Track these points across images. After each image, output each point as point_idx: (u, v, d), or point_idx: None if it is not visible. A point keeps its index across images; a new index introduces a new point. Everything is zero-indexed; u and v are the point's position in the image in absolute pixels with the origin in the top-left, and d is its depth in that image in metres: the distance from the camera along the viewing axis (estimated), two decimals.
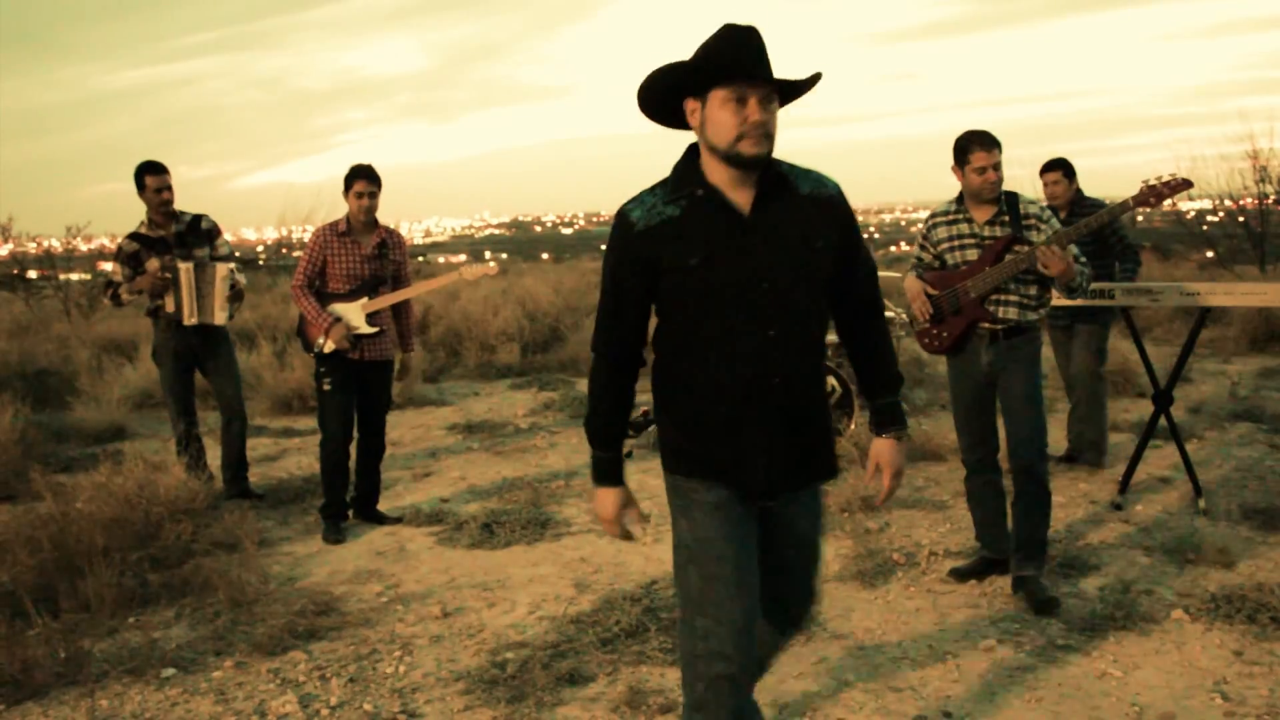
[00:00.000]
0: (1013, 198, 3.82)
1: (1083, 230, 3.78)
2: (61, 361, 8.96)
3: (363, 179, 4.76)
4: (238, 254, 6.19)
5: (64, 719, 3.15)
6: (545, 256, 39.74)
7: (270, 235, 21.15)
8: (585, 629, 3.63)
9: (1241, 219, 14.57)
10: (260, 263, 17.83)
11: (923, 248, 4.07)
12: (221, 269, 5.32)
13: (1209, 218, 16.17)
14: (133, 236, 5.39)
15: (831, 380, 6.14)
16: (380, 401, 5.04)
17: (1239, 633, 3.46)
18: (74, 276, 15.64)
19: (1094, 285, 4.87)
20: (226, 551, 4.48)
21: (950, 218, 3.97)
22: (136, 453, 5.88)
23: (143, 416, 7.88)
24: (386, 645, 3.62)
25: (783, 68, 2.17)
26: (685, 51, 2.19)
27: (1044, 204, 3.86)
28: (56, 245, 15.61)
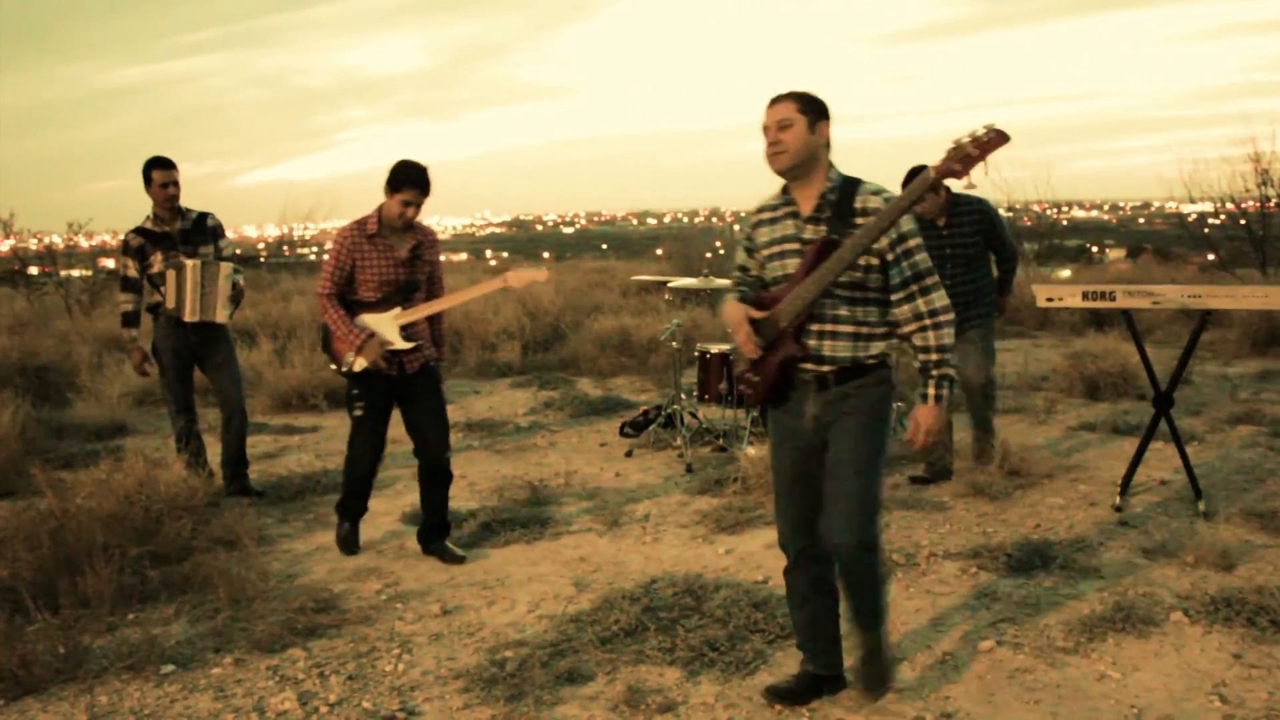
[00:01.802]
0: (850, 184, 2.81)
1: (890, 218, 2.64)
2: (62, 358, 8.96)
3: (413, 188, 4.15)
4: (239, 252, 6.09)
5: (63, 715, 3.15)
6: (546, 255, 39.73)
7: (271, 233, 21.17)
8: (584, 628, 3.63)
9: (1243, 222, 14.55)
10: (261, 260, 17.82)
11: (748, 253, 3.03)
12: (225, 267, 5.32)
13: (1210, 220, 16.15)
14: (138, 231, 5.37)
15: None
16: (434, 410, 4.39)
17: (1238, 635, 3.46)
18: (75, 273, 15.63)
19: (1091, 288, 4.86)
20: (226, 548, 4.48)
21: (773, 214, 2.94)
22: (137, 449, 5.89)
23: (143, 413, 7.88)
24: (386, 643, 3.62)
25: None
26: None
27: (890, 195, 2.80)
28: (58, 241, 15.60)
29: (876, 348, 2.85)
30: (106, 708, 3.18)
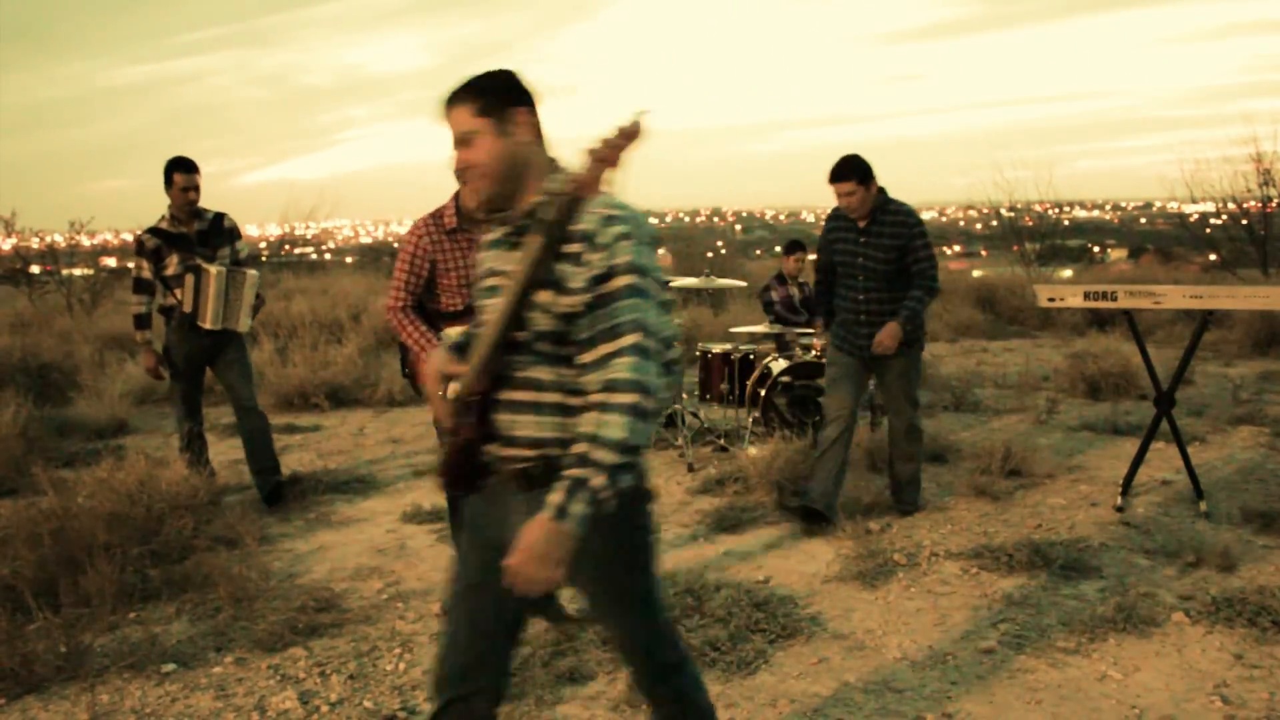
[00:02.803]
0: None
1: (543, 245, 1.87)
2: (64, 357, 8.97)
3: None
4: (256, 252, 5.87)
5: (64, 713, 3.15)
6: None
7: (273, 232, 21.18)
8: (585, 627, 3.63)
9: (1245, 222, 14.55)
10: (262, 260, 17.85)
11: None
12: (252, 276, 5.17)
13: (1212, 220, 16.15)
14: (154, 231, 5.19)
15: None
16: None
17: (1240, 636, 3.45)
18: (77, 272, 15.66)
19: (1093, 288, 4.86)
20: (227, 547, 4.48)
21: (495, 235, 2.17)
22: (138, 448, 5.90)
23: (144, 412, 7.88)
24: (387, 642, 3.62)
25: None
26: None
27: (615, 212, 1.89)
28: (60, 240, 15.62)
29: (563, 434, 1.95)
30: (108, 706, 3.18)
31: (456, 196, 3.58)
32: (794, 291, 7.27)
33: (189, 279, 5.09)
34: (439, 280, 3.65)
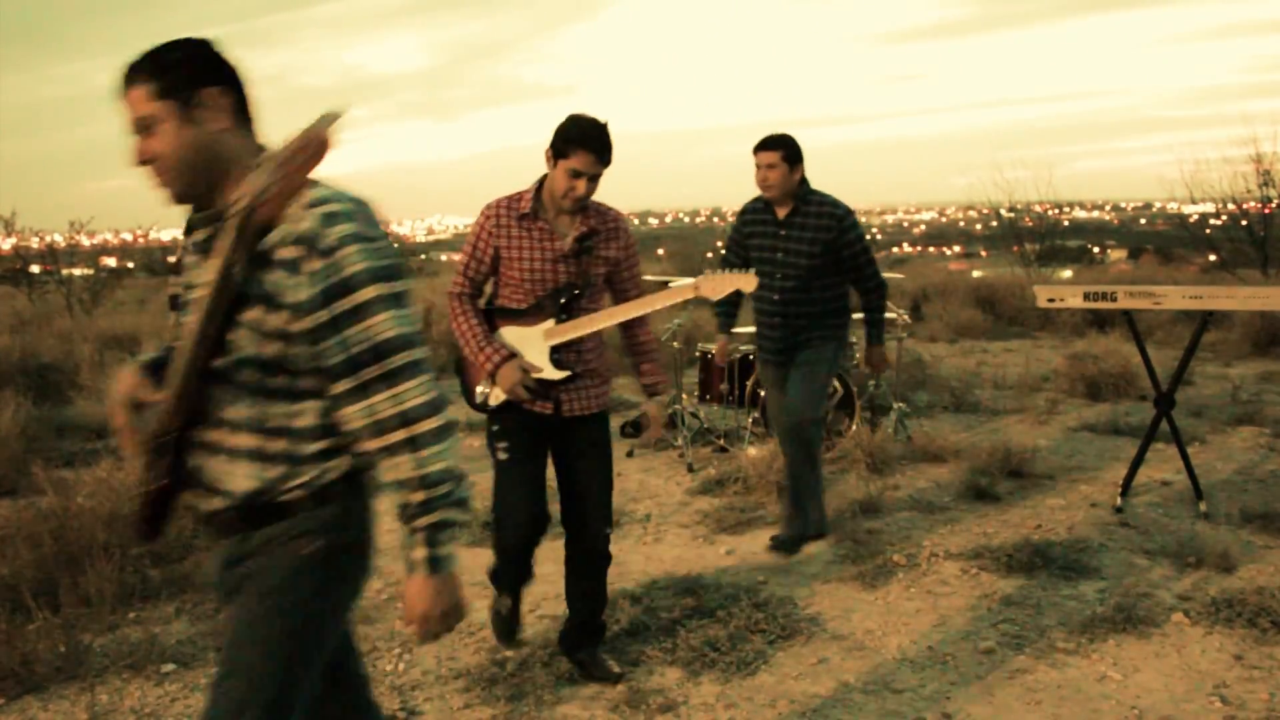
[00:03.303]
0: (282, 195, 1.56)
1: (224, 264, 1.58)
2: (64, 356, 8.96)
3: (587, 151, 2.95)
4: None
5: (63, 713, 3.15)
6: None
7: None
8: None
9: (1244, 223, 14.55)
10: None
11: None
12: None
13: (1212, 221, 16.15)
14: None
15: (833, 380, 6.14)
16: (595, 473, 3.23)
17: (1239, 636, 3.46)
18: (77, 272, 15.67)
19: (1093, 288, 4.86)
20: None
21: (196, 238, 1.89)
22: None
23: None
24: (386, 643, 3.62)
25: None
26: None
27: (335, 207, 1.64)
28: (59, 240, 15.63)
29: (305, 474, 1.73)
30: (107, 706, 3.18)
31: (540, 183, 3.10)
32: None
33: None
34: (502, 271, 3.15)
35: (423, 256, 24.21)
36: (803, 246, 4.19)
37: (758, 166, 4.17)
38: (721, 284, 3.32)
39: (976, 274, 18.06)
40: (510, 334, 3.15)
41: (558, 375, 3.11)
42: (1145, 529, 4.60)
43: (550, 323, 3.11)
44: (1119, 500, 4.90)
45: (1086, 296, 4.84)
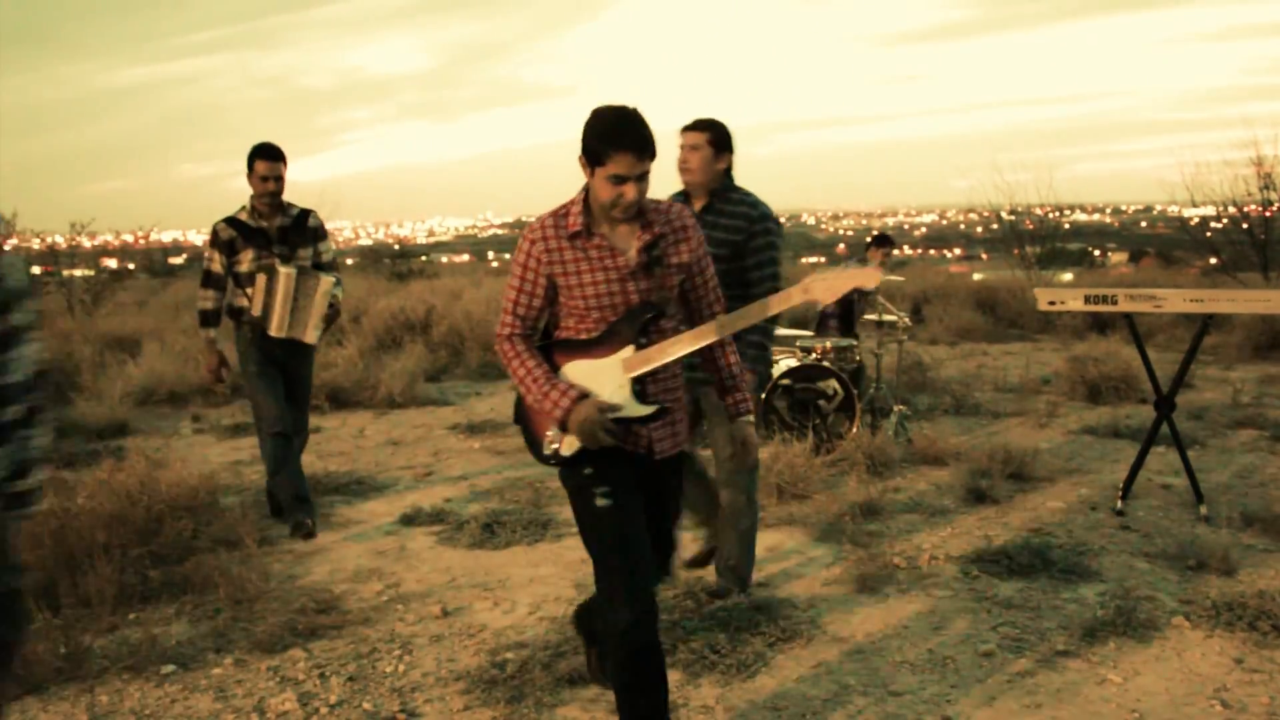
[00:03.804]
0: None
1: None
2: (65, 357, 8.98)
3: (626, 151, 2.50)
4: (339, 258, 5.30)
5: (64, 714, 3.15)
6: None
7: None
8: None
9: (1245, 225, 14.55)
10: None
11: None
12: (325, 282, 4.74)
13: (1213, 224, 16.16)
14: (230, 222, 4.75)
15: (833, 383, 6.14)
16: (668, 525, 2.90)
17: (1240, 640, 3.45)
18: (78, 273, 15.69)
19: (1093, 291, 4.86)
20: (227, 549, 4.48)
21: None
22: (138, 449, 5.89)
23: (145, 413, 7.88)
24: (386, 644, 3.62)
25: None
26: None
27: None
28: (60, 241, 15.65)
29: None
30: (107, 707, 3.18)
31: (586, 192, 2.66)
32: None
33: (261, 279, 4.67)
34: (563, 301, 2.70)
35: (423, 258, 24.24)
36: (713, 247, 3.41)
37: (680, 148, 3.69)
38: (836, 283, 2.68)
39: (977, 276, 18.06)
40: (579, 370, 2.67)
41: (643, 411, 2.64)
42: (1146, 532, 4.60)
43: (628, 351, 2.65)
44: (1119, 503, 4.90)
45: (1087, 299, 4.84)
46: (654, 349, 2.64)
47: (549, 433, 2.69)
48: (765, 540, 4.58)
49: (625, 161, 2.50)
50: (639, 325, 2.65)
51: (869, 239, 7.60)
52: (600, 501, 2.62)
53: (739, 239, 3.66)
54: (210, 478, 5.19)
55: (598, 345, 2.66)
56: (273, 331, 4.67)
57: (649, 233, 2.66)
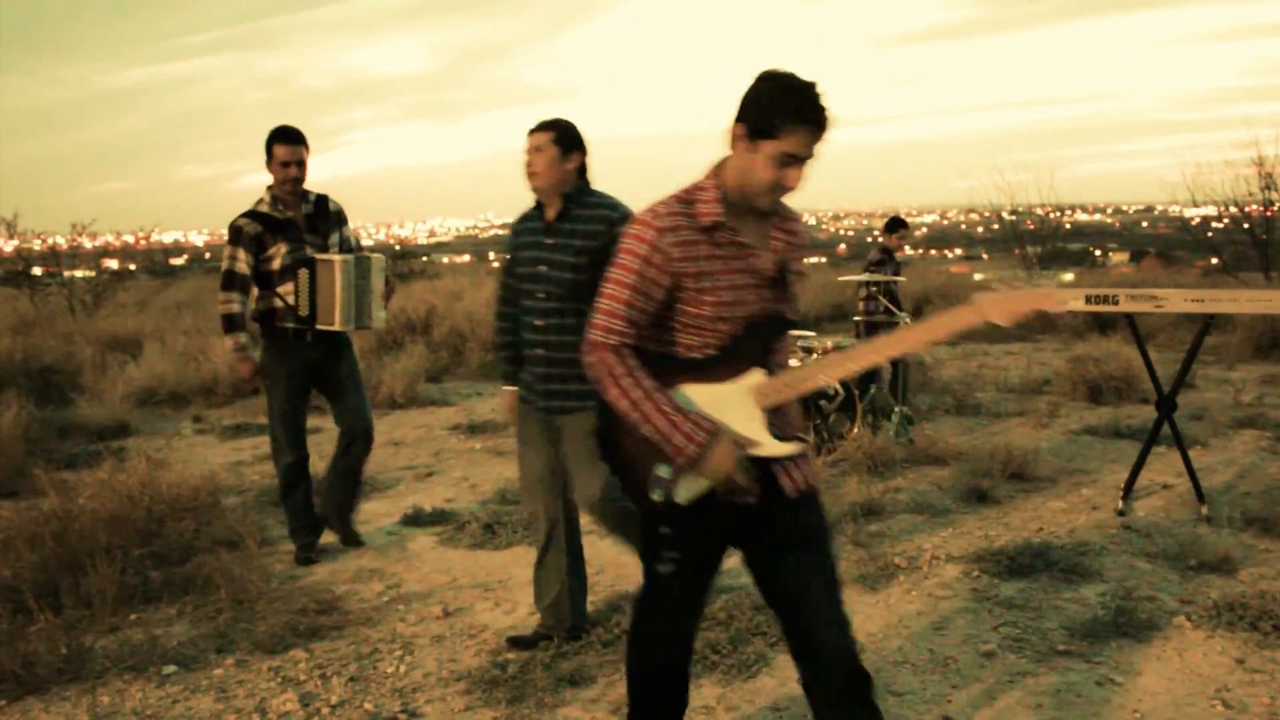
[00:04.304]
0: None
1: None
2: (65, 358, 8.98)
3: (807, 124, 2.11)
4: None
5: (65, 715, 3.15)
6: None
7: None
8: (586, 630, 3.63)
9: (1246, 226, 14.56)
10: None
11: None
12: (378, 260, 4.46)
13: (1214, 224, 16.16)
14: (253, 216, 4.37)
15: (834, 383, 6.14)
16: (817, 577, 2.30)
17: (1241, 640, 3.45)
18: (79, 273, 15.71)
19: (1094, 291, 4.86)
20: (228, 549, 4.48)
21: None
22: (139, 450, 5.90)
23: (146, 414, 7.89)
24: (388, 645, 3.62)
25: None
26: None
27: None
28: (61, 242, 15.67)
29: None
30: (108, 708, 3.18)
31: (718, 172, 2.23)
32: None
33: (303, 274, 4.30)
34: (684, 307, 2.21)
35: (424, 259, 24.28)
36: (568, 258, 3.29)
37: (525, 152, 3.39)
38: (1013, 304, 2.19)
39: (978, 277, 18.06)
40: (695, 397, 2.21)
41: (785, 450, 2.23)
42: (1147, 532, 4.60)
43: (756, 375, 2.21)
44: (1120, 503, 4.90)
45: (1088, 299, 4.84)
46: (791, 375, 2.23)
47: (660, 471, 2.20)
48: None
49: (803, 138, 2.11)
50: (767, 344, 2.23)
51: (880, 230, 7.60)
52: (665, 568, 2.31)
53: (598, 245, 3.24)
54: (211, 478, 5.19)
55: (716, 366, 2.21)
56: (336, 325, 4.30)
57: (787, 233, 2.30)
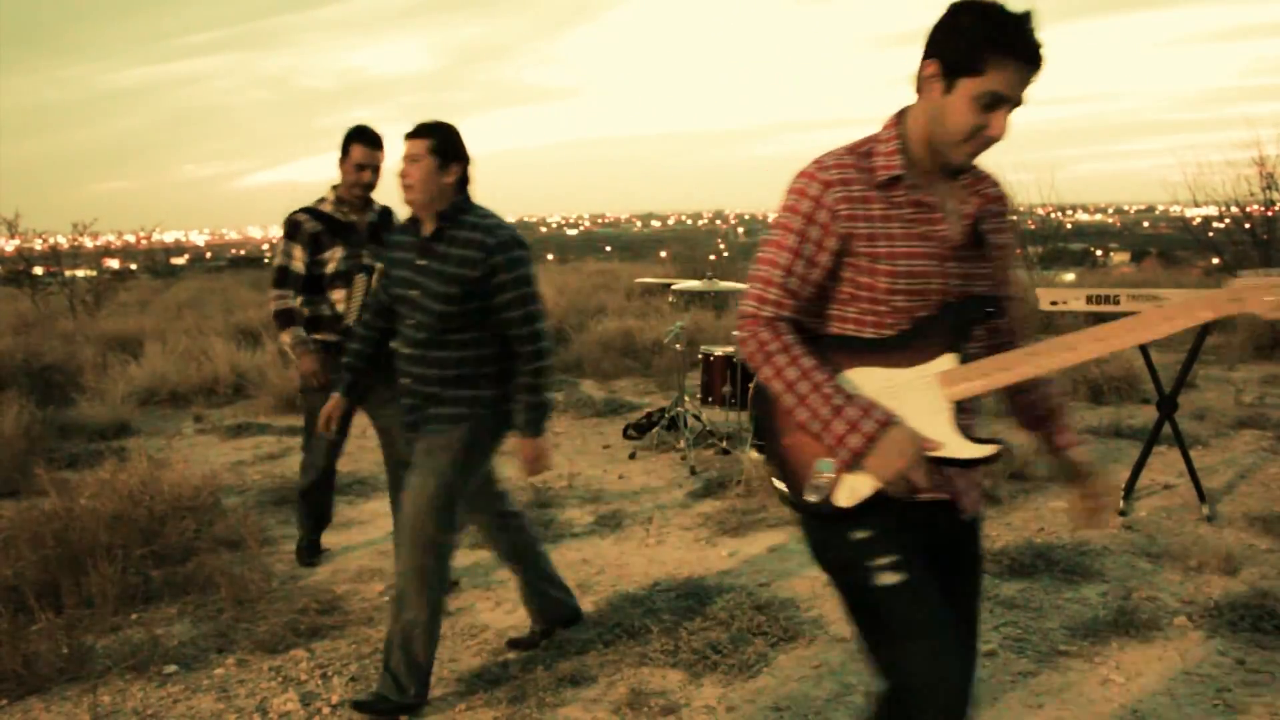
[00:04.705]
0: None
1: None
2: (67, 358, 8.98)
3: (1018, 59, 1.77)
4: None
5: (66, 715, 3.15)
6: (550, 258, 39.81)
7: (275, 234, 21.33)
8: (587, 630, 3.63)
9: (1247, 226, 14.55)
10: (266, 261, 17.91)
11: None
12: None
13: (1215, 224, 16.15)
14: (314, 213, 4.09)
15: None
16: (970, 606, 2.08)
17: (1242, 641, 3.45)
18: (80, 273, 15.73)
19: (1095, 291, 4.85)
20: (229, 549, 4.48)
21: None
22: (141, 449, 5.90)
23: (147, 413, 7.89)
24: None
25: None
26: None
27: None
28: (63, 242, 15.68)
29: None
30: (109, 708, 3.19)
31: (900, 121, 1.92)
32: None
33: (358, 280, 4.06)
34: (853, 275, 1.89)
35: None
36: (439, 285, 3.00)
37: (401, 159, 3.09)
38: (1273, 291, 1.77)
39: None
40: (867, 381, 1.88)
41: (978, 452, 1.88)
42: (1148, 532, 4.60)
43: (946, 361, 1.88)
44: (1122, 503, 4.90)
45: (1089, 299, 4.84)
46: (990, 363, 1.89)
47: (821, 468, 1.88)
48: (767, 539, 4.59)
49: (1010, 75, 1.77)
50: (964, 327, 1.90)
51: None
52: (887, 578, 1.86)
53: (474, 275, 2.97)
54: (212, 478, 5.20)
55: (896, 350, 1.88)
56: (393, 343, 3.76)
57: (981, 197, 1.96)
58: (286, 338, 4.11)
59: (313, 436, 4.24)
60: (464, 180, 3.08)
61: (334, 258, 4.05)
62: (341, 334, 4.05)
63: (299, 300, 4.13)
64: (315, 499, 4.46)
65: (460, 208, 3.05)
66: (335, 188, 4.12)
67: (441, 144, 3.03)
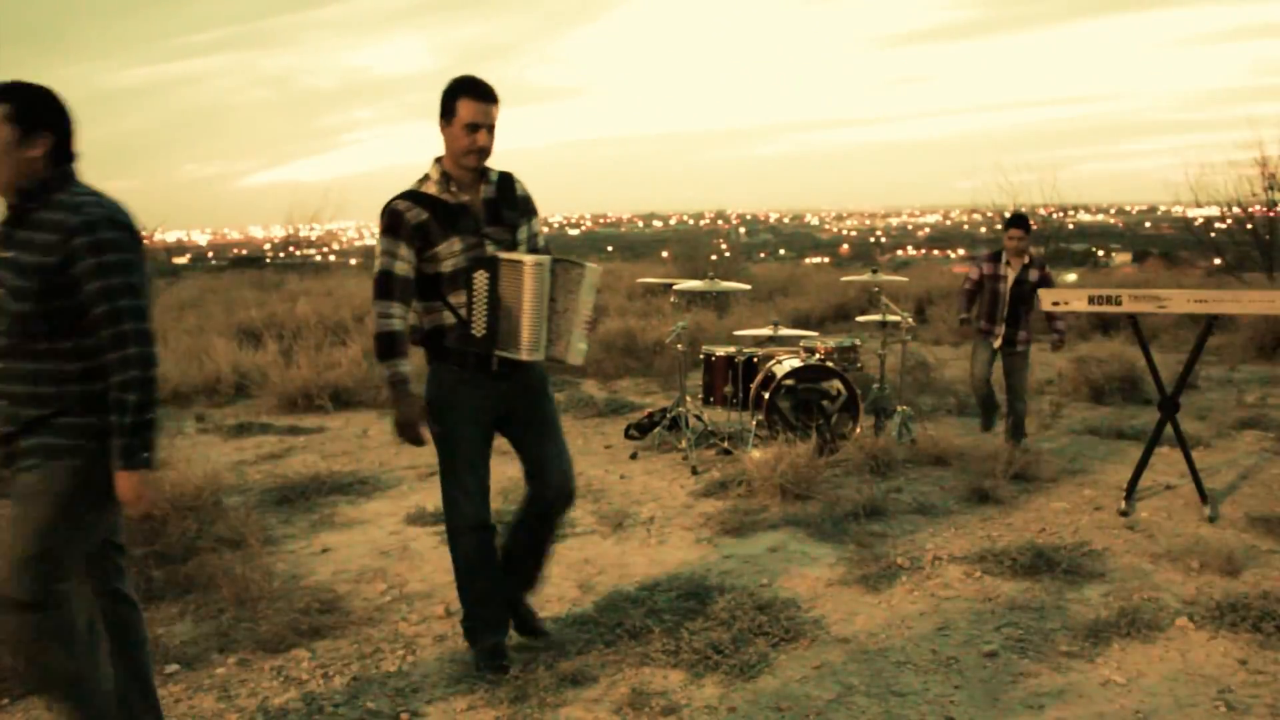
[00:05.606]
0: None
1: None
2: None
3: None
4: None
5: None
6: None
7: (277, 234, 21.30)
8: (588, 630, 3.64)
9: (1249, 226, 14.55)
10: (267, 261, 17.92)
11: None
12: (592, 273, 3.25)
13: (1217, 225, 16.15)
14: (416, 198, 3.13)
15: (837, 383, 6.14)
16: None
17: (1244, 641, 3.45)
18: None
19: (1097, 292, 4.86)
20: (231, 549, 4.48)
21: None
22: None
23: None
24: (390, 644, 3.63)
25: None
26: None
27: None
28: None
29: None
30: None
31: None
32: (1006, 273, 6.05)
33: (479, 278, 3.12)
34: None
35: None
36: (17, 280, 2.41)
37: None
38: None
39: None
40: None
41: None
42: (1149, 533, 4.59)
43: None
44: (1123, 504, 4.90)
45: (1091, 300, 4.84)
46: None
47: None
48: (768, 540, 4.59)
49: None
50: None
51: (1001, 224, 7.31)
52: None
53: (52, 262, 2.39)
54: (214, 478, 5.19)
55: None
56: (522, 353, 3.12)
57: None
58: (385, 371, 3.13)
59: (454, 489, 3.29)
60: (59, 153, 2.49)
61: (449, 253, 3.12)
62: (472, 344, 3.15)
63: (413, 314, 3.21)
64: (483, 580, 3.39)
65: (49, 186, 2.47)
66: (439, 160, 3.18)
67: (21, 110, 2.45)
